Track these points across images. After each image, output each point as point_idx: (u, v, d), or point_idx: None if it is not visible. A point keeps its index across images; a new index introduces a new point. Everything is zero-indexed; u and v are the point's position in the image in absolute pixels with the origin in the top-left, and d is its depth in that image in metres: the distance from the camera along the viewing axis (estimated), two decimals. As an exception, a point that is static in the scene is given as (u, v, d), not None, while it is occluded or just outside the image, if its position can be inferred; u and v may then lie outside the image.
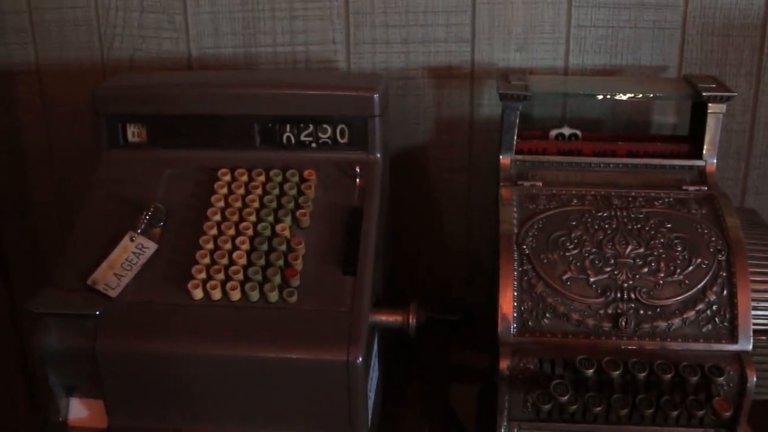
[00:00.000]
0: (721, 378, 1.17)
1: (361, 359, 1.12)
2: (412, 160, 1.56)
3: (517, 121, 1.36)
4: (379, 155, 1.30)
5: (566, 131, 1.46)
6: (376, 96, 1.25)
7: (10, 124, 1.57)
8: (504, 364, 1.19)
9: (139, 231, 1.22)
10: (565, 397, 1.13)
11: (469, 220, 1.60)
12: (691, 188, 1.35)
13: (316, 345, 1.11)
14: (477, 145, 1.55)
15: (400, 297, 1.33)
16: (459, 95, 1.52)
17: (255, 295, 1.15)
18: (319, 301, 1.14)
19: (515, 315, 1.21)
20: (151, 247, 1.24)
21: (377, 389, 1.23)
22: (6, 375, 1.73)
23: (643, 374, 1.16)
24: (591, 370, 1.16)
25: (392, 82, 1.48)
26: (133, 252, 1.23)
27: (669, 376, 1.16)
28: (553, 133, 1.45)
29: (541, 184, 1.34)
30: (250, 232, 1.20)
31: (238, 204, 1.24)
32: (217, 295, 1.15)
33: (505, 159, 1.40)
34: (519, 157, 1.39)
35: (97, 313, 1.14)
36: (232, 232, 1.21)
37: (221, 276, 1.16)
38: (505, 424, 1.18)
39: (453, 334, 1.52)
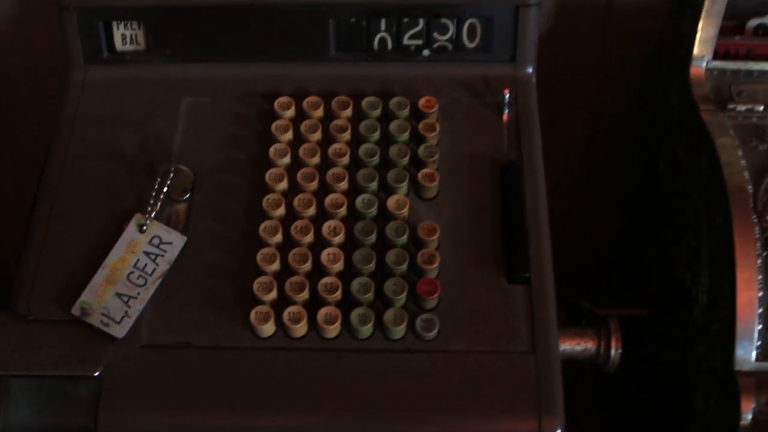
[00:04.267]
0: None
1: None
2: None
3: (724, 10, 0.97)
4: (531, 70, 0.78)
5: (769, 21, 1.06)
6: (534, -29, 0.83)
7: None
8: (747, 406, 0.85)
9: (151, 213, 0.77)
10: None
11: (593, 149, 1.24)
12: None
13: (483, 411, 0.71)
14: (614, 36, 1.17)
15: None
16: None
17: (366, 330, 0.73)
18: (474, 334, 0.74)
19: (760, 327, 0.85)
20: (176, 241, 0.74)
21: None
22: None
23: None
24: None
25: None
26: (145, 252, 0.73)
27: None
28: (753, 23, 1.05)
29: (761, 107, 0.96)
30: (343, 211, 0.78)
31: (315, 160, 0.80)
32: (300, 330, 0.73)
33: (697, 68, 0.99)
34: (717, 64, 1.00)
35: (96, 374, 0.71)
36: (311, 212, 0.77)
37: (304, 296, 0.73)
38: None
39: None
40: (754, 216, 0.86)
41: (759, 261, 0.85)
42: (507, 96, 0.83)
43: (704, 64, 0.97)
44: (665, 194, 1.05)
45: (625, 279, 1.22)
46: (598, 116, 1.23)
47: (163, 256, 0.75)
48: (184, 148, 0.82)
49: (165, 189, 0.77)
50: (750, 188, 0.88)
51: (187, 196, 0.79)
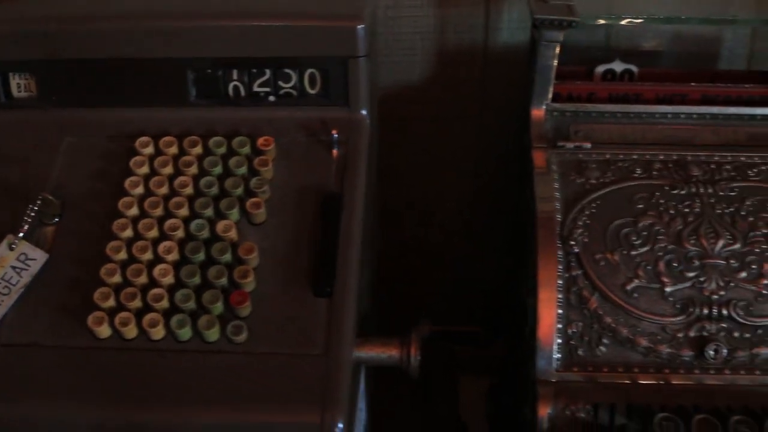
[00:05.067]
0: None
1: (341, 425, 0.81)
2: (404, 106, 1.28)
3: (557, 58, 1.06)
4: (365, 112, 0.92)
5: (617, 67, 1.16)
6: (360, 27, 0.96)
7: None
8: (544, 411, 0.95)
9: (21, 234, 0.91)
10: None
11: (479, 190, 1.36)
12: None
13: (275, 405, 0.82)
14: (492, 83, 1.30)
15: (388, 314, 0.96)
16: (469, 16, 1.25)
17: (186, 333, 0.86)
18: (278, 339, 0.86)
19: (559, 341, 0.96)
20: (39, 258, 0.88)
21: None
22: None
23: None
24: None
25: (380, 0, 1.21)
26: (12, 266, 0.87)
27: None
28: (600, 69, 1.15)
29: (589, 145, 1.06)
30: (179, 233, 0.91)
31: (163, 190, 0.94)
32: (130, 332, 0.86)
33: (537, 110, 1.10)
34: (557, 105, 1.10)
35: (-44, 365, 0.85)
36: (153, 233, 0.91)
37: (137, 303, 0.87)
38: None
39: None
40: (559, 241, 0.97)
41: (560, 281, 0.96)
42: (335, 136, 0.95)
43: (543, 106, 1.08)
44: (520, 227, 1.16)
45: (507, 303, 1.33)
46: (480, 158, 1.35)
47: (27, 270, 0.89)
48: (59, 180, 0.95)
49: (33, 214, 0.91)
50: (559, 216, 0.98)
51: (56, 220, 0.93)
